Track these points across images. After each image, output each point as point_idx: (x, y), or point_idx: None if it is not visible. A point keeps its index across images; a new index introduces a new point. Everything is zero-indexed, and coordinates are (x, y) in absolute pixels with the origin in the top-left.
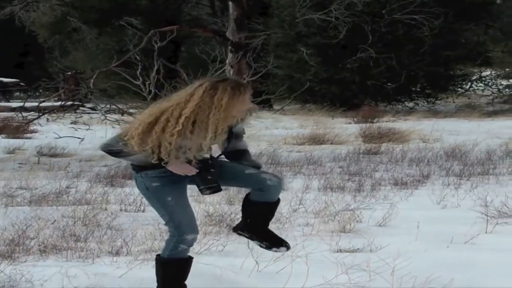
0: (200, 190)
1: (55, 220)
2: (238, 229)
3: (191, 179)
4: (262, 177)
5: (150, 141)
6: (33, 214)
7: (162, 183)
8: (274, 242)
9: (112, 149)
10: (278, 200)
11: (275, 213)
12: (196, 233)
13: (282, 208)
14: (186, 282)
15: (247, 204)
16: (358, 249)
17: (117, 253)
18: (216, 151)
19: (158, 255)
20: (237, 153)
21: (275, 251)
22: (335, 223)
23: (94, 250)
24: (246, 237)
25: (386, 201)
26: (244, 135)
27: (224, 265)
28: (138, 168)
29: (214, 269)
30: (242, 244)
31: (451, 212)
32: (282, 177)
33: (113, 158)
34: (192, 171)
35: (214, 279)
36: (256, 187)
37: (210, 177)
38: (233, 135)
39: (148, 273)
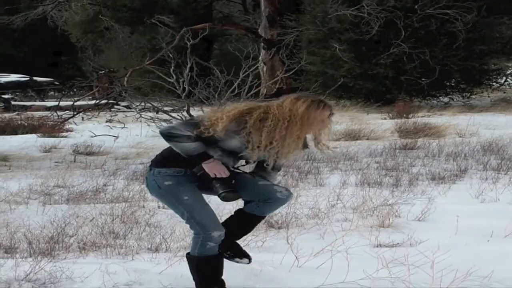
0: (219, 195)
1: (93, 218)
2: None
3: (207, 186)
4: (273, 189)
5: (248, 127)
6: (71, 212)
7: (175, 182)
8: (238, 253)
9: (173, 132)
10: (264, 217)
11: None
12: (221, 230)
13: (320, 204)
14: (226, 277)
15: (236, 216)
16: (398, 243)
17: (156, 250)
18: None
19: (188, 254)
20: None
21: (237, 262)
22: (373, 218)
23: (133, 247)
24: None
25: (424, 195)
26: (279, 172)
27: (263, 260)
28: (155, 163)
29: (254, 264)
30: (281, 240)
31: (490, 206)
32: (292, 192)
33: (166, 145)
34: (225, 173)
35: (253, 275)
36: (264, 198)
37: (232, 185)
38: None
39: (188, 269)
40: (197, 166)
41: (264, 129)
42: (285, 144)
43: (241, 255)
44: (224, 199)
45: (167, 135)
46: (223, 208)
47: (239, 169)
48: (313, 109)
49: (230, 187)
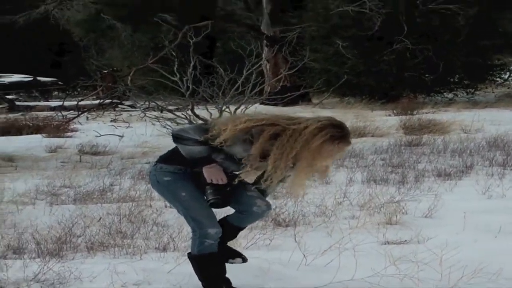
0: (208, 200)
1: (100, 218)
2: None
3: (201, 186)
4: (253, 201)
5: (253, 148)
6: (79, 212)
7: (174, 178)
8: (230, 255)
9: (182, 134)
10: (243, 228)
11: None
12: (218, 228)
13: (327, 201)
14: (233, 276)
15: (221, 223)
16: (405, 240)
17: (164, 249)
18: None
19: (189, 253)
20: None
21: (231, 262)
22: (380, 215)
23: (141, 246)
24: None
25: (430, 192)
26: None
27: (271, 258)
28: (160, 159)
29: (262, 262)
30: (289, 238)
31: (497, 202)
32: (270, 207)
33: (171, 145)
34: (223, 180)
35: (262, 272)
36: (241, 209)
37: (224, 193)
38: None
39: None
40: (198, 169)
41: (271, 154)
42: (293, 172)
43: (233, 255)
44: (212, 205)
45: (176, 136)
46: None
47: (240, 176)
48: (328, 145)
49: (220, 195)
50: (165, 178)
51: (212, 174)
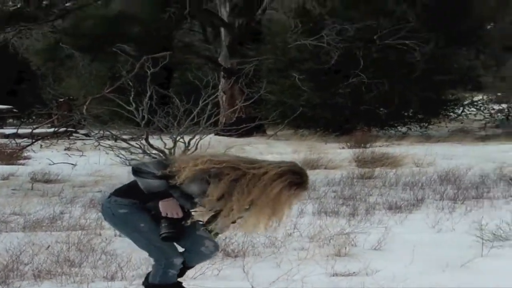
0: (160, 234)
1: (49, 246)
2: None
3: (155, 218)
4: (202, 242)
5: (212, 189)
6: (27, 240)
7: (130, 211)
8: None
9: (141, 168)
10: (192, 267)
11: None
12: (182, 258)
13: (277, 233)
14: None
15: None
16: (354, 272)
17: (112, 278)
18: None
19: (145, 282)
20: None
21: None
22: (330, 247)
23: (88, 275)
24: None
25: (380, 225)
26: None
27: None
28: (115, 192)
29: None
30: (238, 268)
31: (446, 235)
32: (218, 248)
33: (124, 173)
34: (178, 214)
35: None
36: (189, 247)
37: (178, 227)
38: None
39: None
40: (152, 203)
41: (233, 199)
42: (246, 218)
43: None
44: (164, 239)
45: (135, 170)
46: None
47: (193, 215)
48: (286, 191)
49: (175, 228)
50: (121, 210)
51: (168, 207)
